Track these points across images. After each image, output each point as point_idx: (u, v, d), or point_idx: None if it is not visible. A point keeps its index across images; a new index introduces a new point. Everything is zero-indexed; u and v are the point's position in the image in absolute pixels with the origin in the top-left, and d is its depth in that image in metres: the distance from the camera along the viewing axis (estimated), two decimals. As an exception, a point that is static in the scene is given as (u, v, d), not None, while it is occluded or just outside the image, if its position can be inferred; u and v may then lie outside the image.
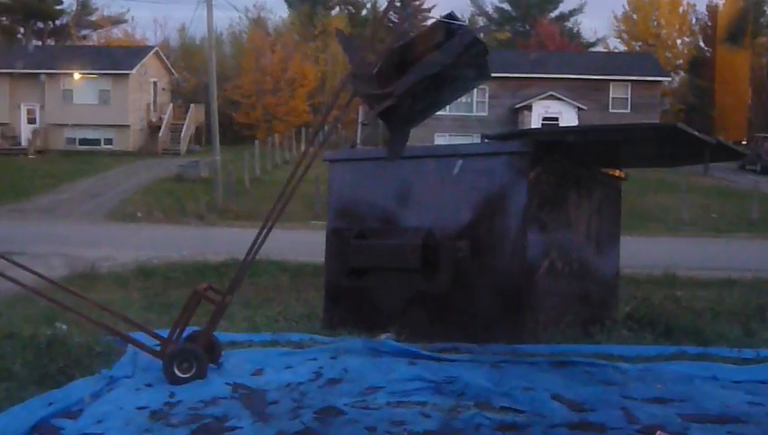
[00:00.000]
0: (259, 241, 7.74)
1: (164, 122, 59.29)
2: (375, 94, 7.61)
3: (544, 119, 53.12)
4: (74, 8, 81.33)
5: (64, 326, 7.24)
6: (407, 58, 7.70)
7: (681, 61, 77.00)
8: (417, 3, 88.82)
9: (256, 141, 47.25)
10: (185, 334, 7.74)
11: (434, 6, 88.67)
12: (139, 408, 6.53)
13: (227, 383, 7.28)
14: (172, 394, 6.94)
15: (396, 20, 52.34)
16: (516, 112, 55.29)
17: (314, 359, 8.13)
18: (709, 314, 12.09)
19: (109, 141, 56.39)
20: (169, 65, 66.47)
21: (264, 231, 7.71)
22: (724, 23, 69.64)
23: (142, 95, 58.99)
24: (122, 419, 6.26)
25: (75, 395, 6.80)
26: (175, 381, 7.26)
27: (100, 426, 6.14)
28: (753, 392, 7.30)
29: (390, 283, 9.94)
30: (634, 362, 8.38)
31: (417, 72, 7.50)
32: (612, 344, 9.37)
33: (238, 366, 7.87)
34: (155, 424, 6.24)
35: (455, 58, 7.50)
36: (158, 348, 7.61)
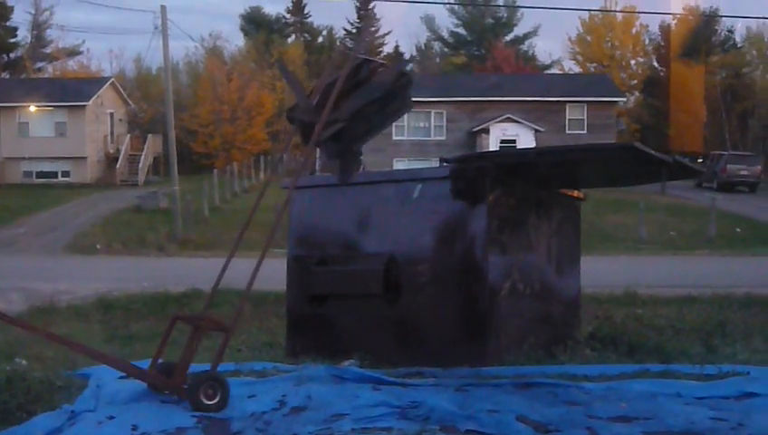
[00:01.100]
0: (257, 266, 7.85)
1: (121, 153, 58.96)
2: (329, 120, 8.08)
3: (502, 141, 53.36)
4: (29, 41, 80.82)
5: (24, 361, 7.15)
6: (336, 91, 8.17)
7: (636, 81, 77.85)
8: (373, 29, 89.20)
9: (215, 170, 47.14)
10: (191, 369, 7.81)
11: (389, 33, 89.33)
12: (102, 442, 6.46)
13: (191, 414, 7.22)
14: (135, 427, 6.86)
15: (350, 45, 52.51)
16: (474, 136, 55.48)
17: (278, 387, 8.08)
18: (671, 332, 12.15)
19: (66, 174, 55.96)
20: (126, 96, 66.16)
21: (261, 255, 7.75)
22: (678, 39, 70.45)
23: (99, 126, 58.64)
24: (84, 454, 6.18)
25: (37, 431, 6.71)
26: (200, 408, 7.27)
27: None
28: (716, 408, 7.35)
29: (353, 309, 9.91)
30: (598, 382, 8.41)
31: (364, 95, 8.15)
32: (576, 364, 9.40)
33: (201, 397, 7.79)
34: (118, 458, 6.18)
35: (393, 83, 8.24)
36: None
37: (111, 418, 7.15)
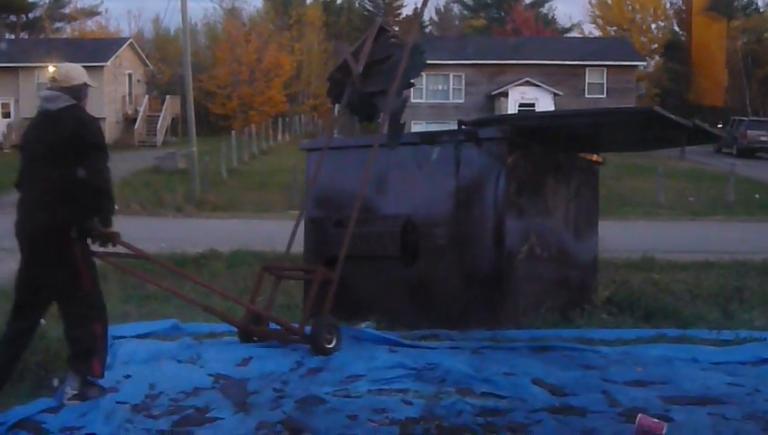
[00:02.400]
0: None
1: (140, 114, 58.95)
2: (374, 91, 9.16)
3: (521, 105, 53.02)
4: (47, 1, 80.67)
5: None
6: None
7: (656, 45, 77.12)
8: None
9: (233, 132, 47.03)
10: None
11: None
12: (119, 402, 6.49)
13: (209, 374, 7.26)
14: (152, 386, 6.92)
15: (371, 9, 52.64)
16: (492, 99, 55.19)
17: (295, 348, 8.11)
18: (688, 297, 12.15)
19: (84, 134, 55.94)
20: (144, 57, 66.00)
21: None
22: (699, 2, 69.68)
23: (117, 87, 58.58)
24: (104, 411, 6.21)
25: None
26: (322, 351, 7.86)
27: (82, 419, 6.11)
28: (732, 373, 7.36)
29: (370, 271, 9.92)
30: (614, 346, 8.42)
31: (412, 74, 9.07)
32: (592, 328, 9.42)
33: (219, 357, 7.85)
34: (136, 416, 6.22)
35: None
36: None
37: (128, 377, 7.21)
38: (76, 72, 6.84)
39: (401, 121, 9.05)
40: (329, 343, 7.98)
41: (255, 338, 8.54)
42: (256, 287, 9.17)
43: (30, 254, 6.57)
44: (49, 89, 6.74)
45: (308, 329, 8.16)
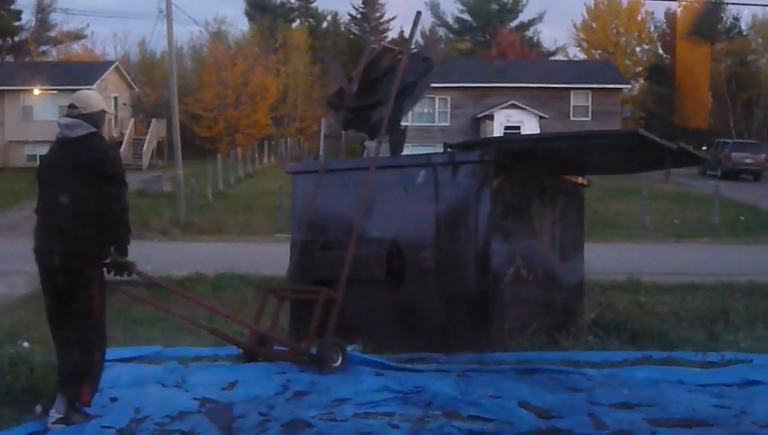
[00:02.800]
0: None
1: (125, 137, 58.81)
2: (371, 104, 9.54)
3: (506, 128, 53.21)
4: (33, 24, 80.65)
5: (26, 344, 7.17)
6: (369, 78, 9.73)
7: (641, 68, 77.58)
8: (378, 15, 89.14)
9: (219, 155, 46.99)
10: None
11: (393, 18, 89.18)
12: (105, 426, 6.45)
13: (194, 398, 7.23)
14: (138, 410, 6.88)
15: (356, 32, 52.83)
16: (478, 122, 55.39)
17: (281, 372, 8.09)
18: (674, 319, 12.18)
19: (70, 158, 55.84)
20: (130, 80, 66.04)
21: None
22: (683, 26, 70.08)
23: (103, 111, 58.49)
24: (88, 436, 6.19)
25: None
26: (327, 370, 7.98)
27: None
28: (718, 395, 7.35)
29: (356, 294, 9.89)
30: (600, 368, 8.41)
31: (420, 91, 9.78)
32: (578, 351, 9.40)
33: (204, 380, 7.81)
34: (122, 440, 6.19)
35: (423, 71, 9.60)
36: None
37: (113, 401, 7.18)
38: (94, 98, 6.96)
39: (401, 128, 9.51)
40: (334, 362, 8.11)
41: (260, 359, 8.60)
42: (259, 309, 9.22)
43: (48, 279, 6.64)
44: (68, 115, 6.80)
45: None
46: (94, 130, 6.72)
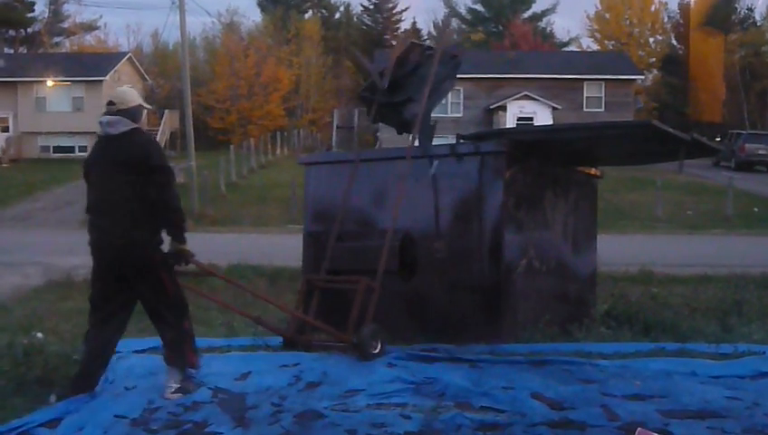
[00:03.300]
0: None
1: (138, 129, 58.92)
2: (402, 100, 9.75)
3: (519, 119, 53.09)
4: (46, 16, 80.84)
5: (40, 334, 7.20)
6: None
7: (654, 59, 77.34)
8: (391, 6, 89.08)
9: (231, 146, 47.02)
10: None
11: (406, 9, 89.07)
12: (118, 416, 6.48)
13: (208, 388, 7.25)
14: (151, 401, 6.91)
15: (369, 23, 52.84)
16: (491, 113, 55.26)
17: (294, 363, 8.10)
18: (686, 311, 12.13)
19: (83, 148, 55.70)
20: (143, 71, 66.12)
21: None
22: (697, 16, 69.89)
23: (116, 102, 58.53)
24: (102, 426, 6.21)
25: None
26: (368, 357, 8.12)
27: (81, 434, 6.11)
28: (731, 387, 7.34)
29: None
30: (613, 360, 8.39)
31: (447, 88, 9.90)
32: (591, 342, 9.39)
33: (217, 371, 7.83)
34: (135, 430, 6.21)
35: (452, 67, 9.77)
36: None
37: (128, 390, 7.20)
38: (131, 94, 7.20)
39: (432, 123, 9.53)
40: (374, 350, 8.26)
41: (301, 347, 8.75)
42: (300, 298, 9.33)
43: (112, 270, 6.92)
44: (107, 113, 7.00)
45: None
46: (135, 126, 6.96)
